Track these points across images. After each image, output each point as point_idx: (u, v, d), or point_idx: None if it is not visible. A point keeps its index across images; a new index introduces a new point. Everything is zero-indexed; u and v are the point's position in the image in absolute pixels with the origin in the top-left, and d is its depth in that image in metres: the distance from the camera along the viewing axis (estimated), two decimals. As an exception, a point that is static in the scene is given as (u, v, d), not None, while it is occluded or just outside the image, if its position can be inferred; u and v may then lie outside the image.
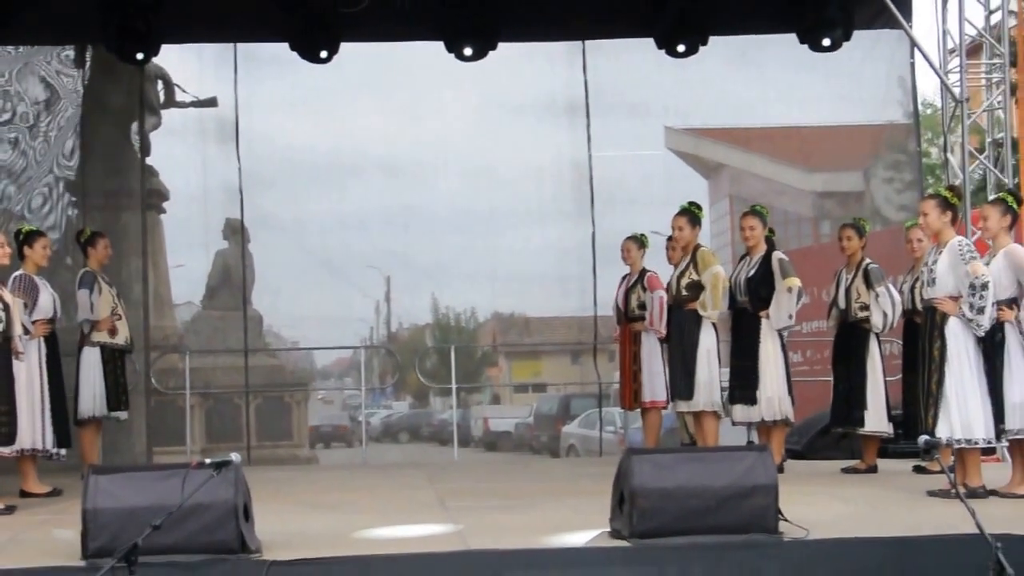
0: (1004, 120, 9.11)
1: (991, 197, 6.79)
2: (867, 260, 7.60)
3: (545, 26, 10.02)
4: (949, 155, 9.57)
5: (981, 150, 9.38)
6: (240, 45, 10.45)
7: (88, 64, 10.71)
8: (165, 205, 11.16)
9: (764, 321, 7.47)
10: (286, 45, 9.75)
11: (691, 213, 7.68)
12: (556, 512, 6.05)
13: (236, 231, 10.69)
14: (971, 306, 6.00)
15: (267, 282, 11.00)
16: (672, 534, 4.79)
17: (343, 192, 10.32)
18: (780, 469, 6.71)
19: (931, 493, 6.20)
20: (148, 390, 9.92)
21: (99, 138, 10.69)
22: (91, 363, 7.56)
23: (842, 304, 7.59)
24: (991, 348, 6.14)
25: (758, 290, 7.47)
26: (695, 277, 7.50)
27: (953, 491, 4.70)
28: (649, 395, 8.21)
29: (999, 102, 9.11)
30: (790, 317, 7.43)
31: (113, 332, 7.63)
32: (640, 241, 8.48)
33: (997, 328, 6.12)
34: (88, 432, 7.61)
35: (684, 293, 7.55)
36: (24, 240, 7.06)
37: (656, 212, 10.56)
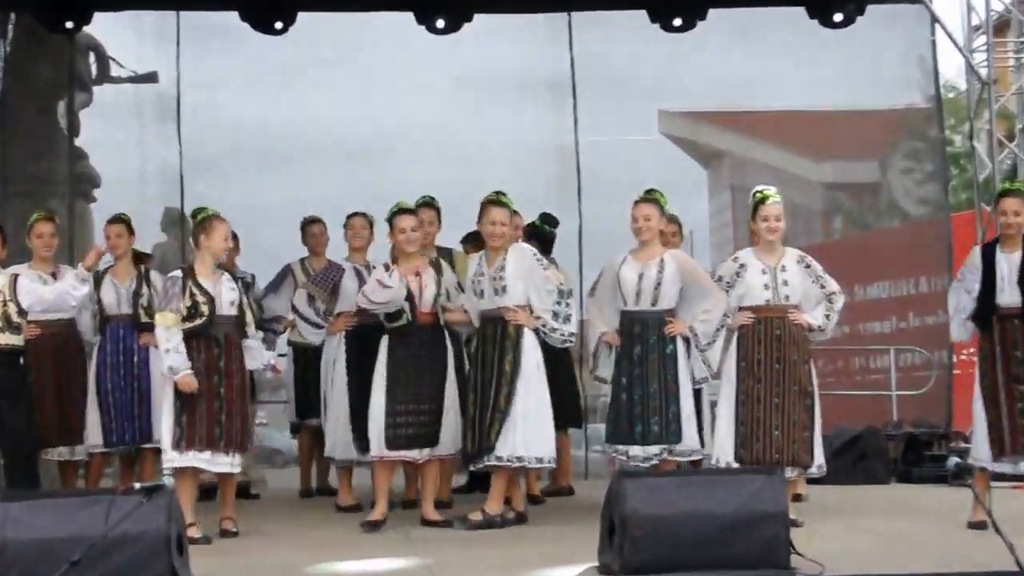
0: (1035, 104, 9.16)
1: None
2: None
3: (527, -5, 9.96)
4: (975, 143, 9.60)
5: (1010, 137, 9.40)
6: (183, 13, 10.27)
7: (10, 34, 10.55)
8: (96, 192, 11.02)
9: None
10: (235, 14, 9.60)
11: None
12: (537, 544, 5.95)
13: (175, 222, 10.53)
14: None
15: (211, 280, 10.89)
16: (669, 569, 4.70)
17: (299, 179, 10.23)
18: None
19: (971, 525, 5.97)
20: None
21: (22, 117, 10.50)
22: None
23: None
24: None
25: None
26: None
27: (991, 521, 4.61)
28: None
29: (1030, 84, 9.14)
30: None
31: None
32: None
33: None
34: None
35: None
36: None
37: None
